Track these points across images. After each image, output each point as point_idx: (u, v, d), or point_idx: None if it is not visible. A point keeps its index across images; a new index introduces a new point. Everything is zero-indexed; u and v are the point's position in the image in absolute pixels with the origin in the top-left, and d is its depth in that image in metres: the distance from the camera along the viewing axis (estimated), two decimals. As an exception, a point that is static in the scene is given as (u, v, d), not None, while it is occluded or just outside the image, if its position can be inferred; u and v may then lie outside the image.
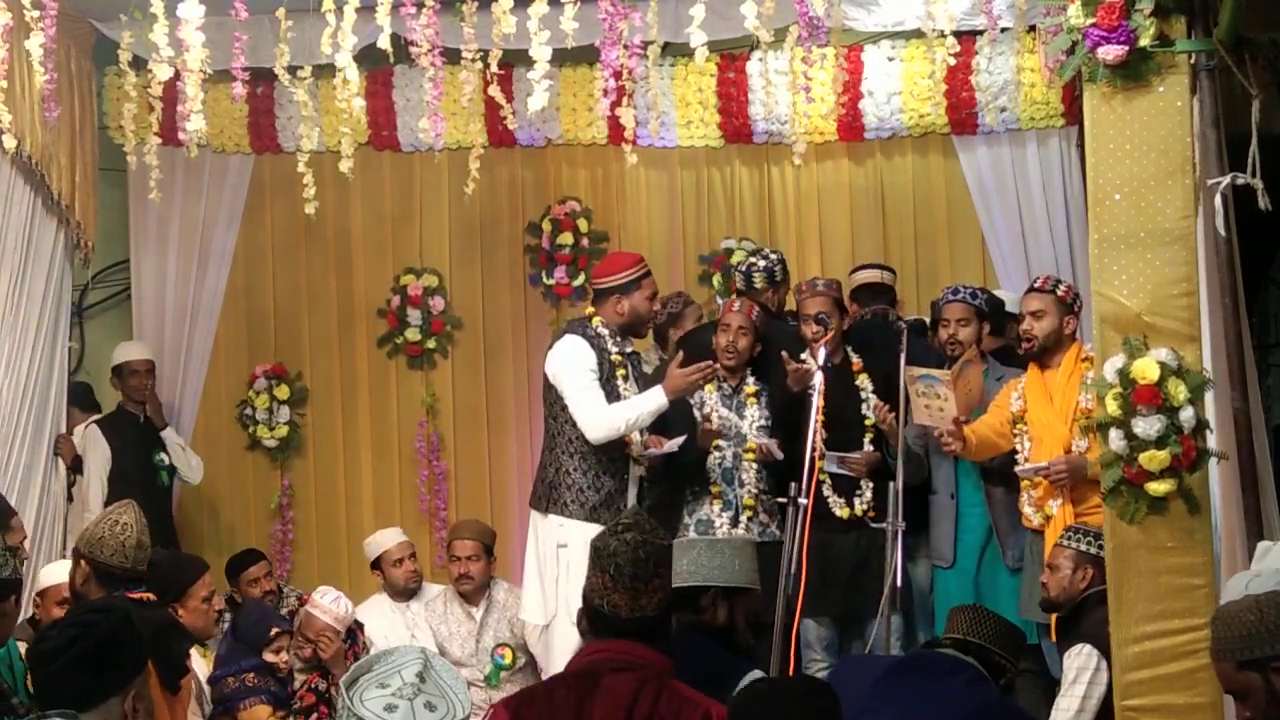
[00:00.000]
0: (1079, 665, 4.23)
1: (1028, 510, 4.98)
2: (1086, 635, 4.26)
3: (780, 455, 5.24)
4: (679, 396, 5.07)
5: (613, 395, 5.12)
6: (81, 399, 6.81)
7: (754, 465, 5.34)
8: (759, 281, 5.82)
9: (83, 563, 4.00)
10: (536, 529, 5.17)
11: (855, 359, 5.45)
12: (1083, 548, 4.44)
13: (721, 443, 5.32)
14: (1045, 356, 5.02)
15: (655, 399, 5.04)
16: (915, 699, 3.43)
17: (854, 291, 6.13)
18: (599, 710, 2.87)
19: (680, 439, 5.21)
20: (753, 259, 5.99)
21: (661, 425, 5.21)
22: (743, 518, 5.30)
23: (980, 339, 5.40)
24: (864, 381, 5.42)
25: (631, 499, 5.13)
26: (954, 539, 5.27)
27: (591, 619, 3.05)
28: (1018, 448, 5.05)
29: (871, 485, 5.32)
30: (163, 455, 6.65)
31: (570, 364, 5.09)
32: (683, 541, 3.83)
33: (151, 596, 3.96)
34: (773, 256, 5.94)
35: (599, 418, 5.02)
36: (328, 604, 5.20)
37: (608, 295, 5.21)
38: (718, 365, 5.18)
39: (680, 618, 3.67)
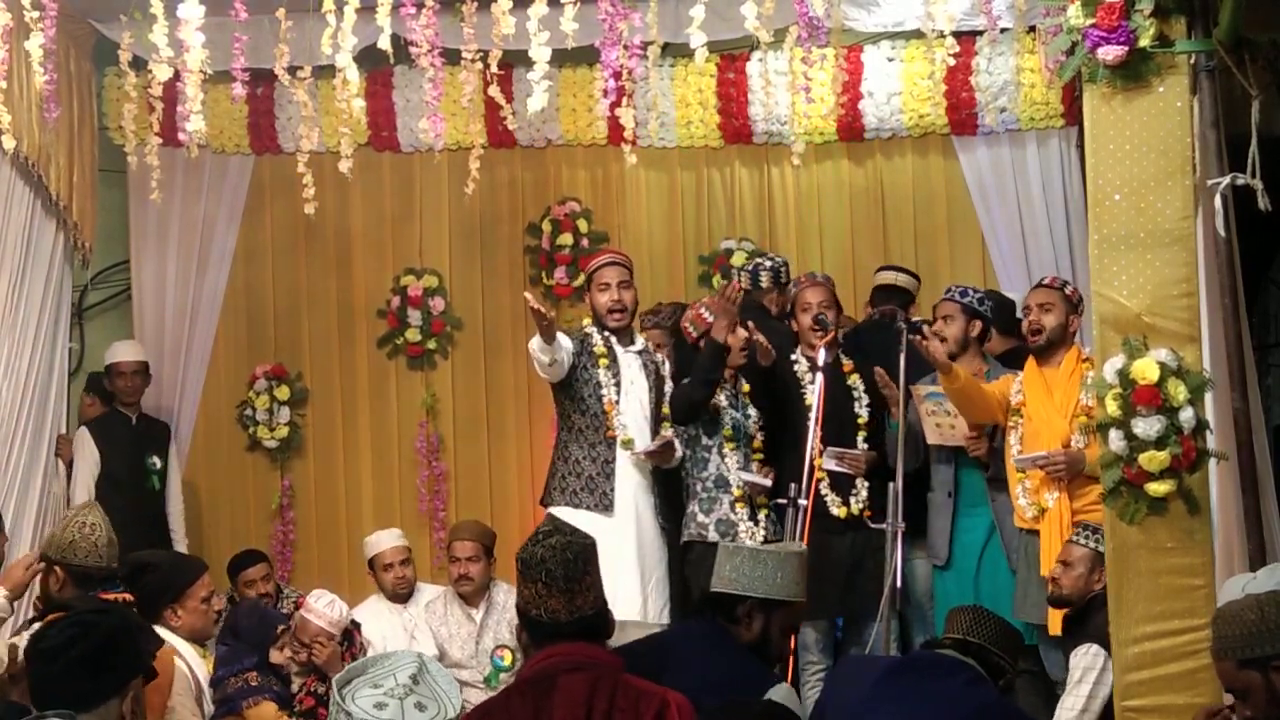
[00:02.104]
0: (1085, 665, 4.22)
1: (1021, 502, 4.97)
2: (1094, 635, 4.25)
3: (769, 483, 5.29)
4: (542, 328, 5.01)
5: (592, 383, 5.23)
6: (102, 389, 6.76)
7: (757, 464, 5.36)
8: (765, 280, 5.84)
9: (57, 569, 4.00)
10: None
11: (845, 360, 5.46)
12: (1101, 548, 4.38)
13: (734, 442, 5.36)
14: (1047, 352, 5.04)
15: (536, 339, 5.05)
16: (914, 699, 3.43)
17: (872, 292, 6.13)
18: (558, 712, 2.87)
19: (669, 434, 5.26)
20: (760, 259, 6.02)
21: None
22: (760, 515, 5.32)
23: (968, 337, 5.35)
24: (855, 381, 5.44)
25: (621, 486, 5.17)
26: (950, 537, 5.27)
27: (531, 630, 3.06)
28: (1011, 440, 5.05)
29: (868, 485, 5.33)
30: (154, 459, 6.61)
31: None
32: (729, 547, 3.82)
33: (128, 597, 3.96)
34: (778, 260, 5.98)
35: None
36: (322, 608, 5.19)
37: (583, 293, 5.34)
38: (548, 314, 5.10)
39: (712, 622, 3.67)
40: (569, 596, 2.99)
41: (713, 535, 5.22)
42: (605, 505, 5.11)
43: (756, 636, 3.64)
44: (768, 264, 5.91)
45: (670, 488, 5.42)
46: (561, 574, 2.99)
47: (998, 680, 3.70)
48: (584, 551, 3.05)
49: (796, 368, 5.43)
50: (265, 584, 5.97)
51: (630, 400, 5.28)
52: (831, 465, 5.27)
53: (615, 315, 5.25)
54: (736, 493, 5.31)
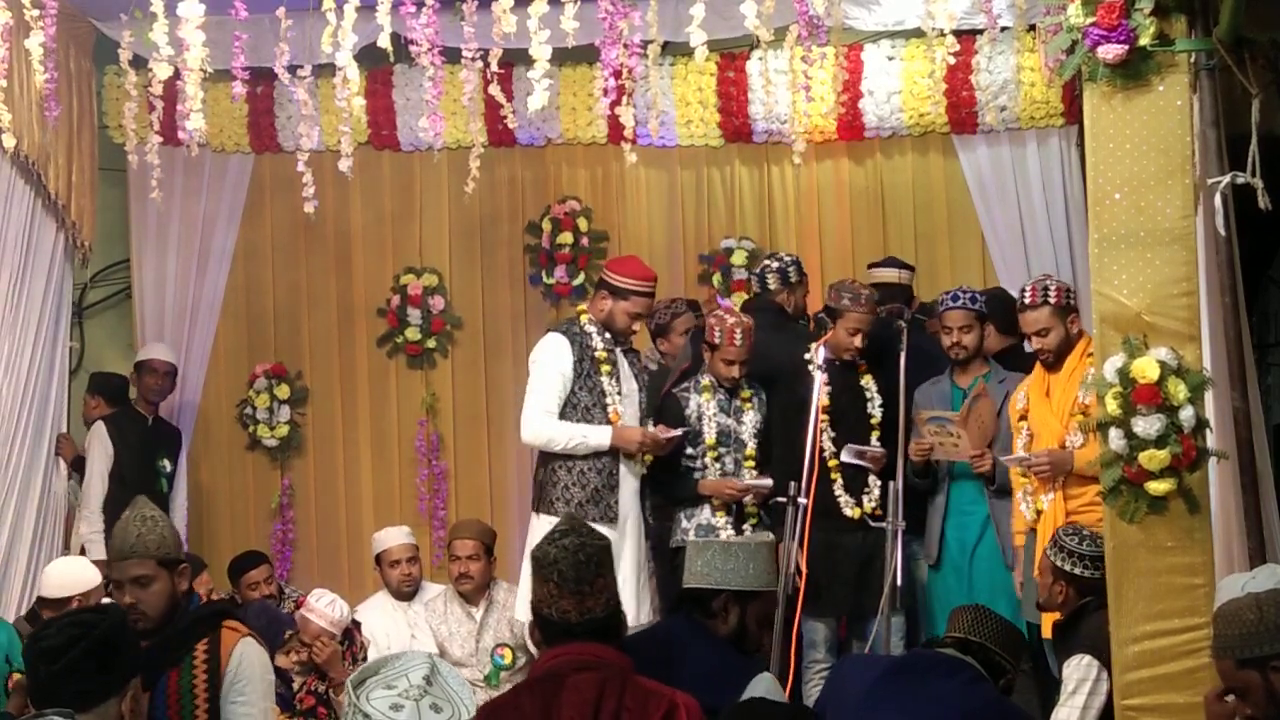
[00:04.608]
0: (1079, 676, 4.20)
1: (1023, 507, 4.99)
2: (1085, 644, 4.23)
3: (769, 483, 5.26)
4: (625, 448, 5.18)
5: (595, 390, 5.21)
6: (107, 388, 6.72)
7: (754, 472, 5.34)
8: (772, 283, 5.82)
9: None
10: (533, 530, 5.19)
11: (859, 360, 5.45)
12: (1059, 563, 4.37)
13: (720, 450, 5.34)
14: (1058, 363, 5.03)
15: (599, 437, 5.14)
16: (915, 699, 3.43)
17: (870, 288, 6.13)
18: (566, 711, 2.88)
19: (681, 429, 5.24)
20: (767, 261, 5.98)
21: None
22: (746, 525, 5.30)
23: (982, 342, 5.38)
24: (868, 382, 5.42)
25: (624, 496, 5.16)
26: (940, 537, 5.29)
27: (543, 628, 3.07)
28: (1018, 444, 5.06)
29: (879, 484, 5.32)
30: (165, 462, 6.58)
31: (541, 361, 5.22)
32: (699, 542, 3.84)
33: None
34: (786, 259, 5.94)
35: (538, 421, 5.16)
36: (322, 607, 5.19)
37: (600, 288, 5.32)
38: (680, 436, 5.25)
39: (689, 618, 3.69)
40: (579, 598, 2.99)
41: (693, 539, 5.20)
42: (610, 517, 5.10)
43: (733, 629, 3.67)
44: (774, 265, 5.88)
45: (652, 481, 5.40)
46: (573, 575, 2.99)
47: (998, 680, 3.70)
48: (597, 554, 3.05)
49: (811, 368, 5.42)
50: (268, 585, 5.96)
51: (628, 405, 5.27)
52: (850, 459, 5.25)
53: (622, 337, 5.30)
54: (716, 502, 5.30)
